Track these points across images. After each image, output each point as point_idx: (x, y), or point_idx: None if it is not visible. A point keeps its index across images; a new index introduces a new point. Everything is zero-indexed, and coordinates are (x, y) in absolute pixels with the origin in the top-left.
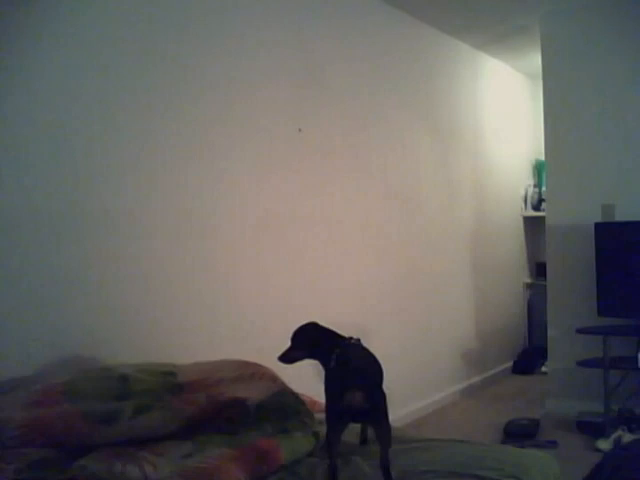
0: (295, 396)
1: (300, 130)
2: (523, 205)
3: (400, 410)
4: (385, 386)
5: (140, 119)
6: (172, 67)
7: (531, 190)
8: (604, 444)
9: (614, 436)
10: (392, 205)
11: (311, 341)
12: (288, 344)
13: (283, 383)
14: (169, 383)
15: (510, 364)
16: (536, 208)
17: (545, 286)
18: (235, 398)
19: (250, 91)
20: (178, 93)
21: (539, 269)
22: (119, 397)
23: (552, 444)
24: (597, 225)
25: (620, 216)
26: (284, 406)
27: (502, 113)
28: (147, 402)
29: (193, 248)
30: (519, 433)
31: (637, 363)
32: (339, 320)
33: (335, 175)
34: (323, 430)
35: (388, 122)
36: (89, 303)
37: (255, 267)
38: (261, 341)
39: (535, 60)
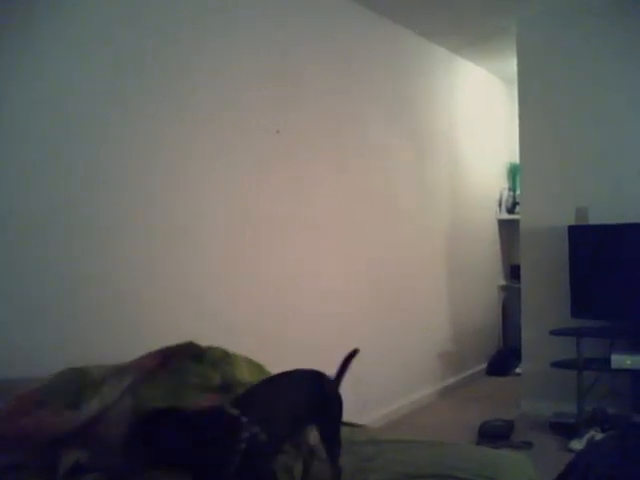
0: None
1: (278, 132)
2: (498, 208)
3: (376, 411)
4: (355, 391)
5: (128, 120)
6: (157, 69)
7: (506, 193)
8: (577, 444)
9: (587, 436)
10: (369, 208)
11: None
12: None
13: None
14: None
15: (485, 365)
16: (510, 211)
17: (519, 288)
18: (185, 342)
19: (229, 93)
20: (164, 95)
21: (513, 271)
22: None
23: (526, 445)
24: (570, 228)
25: (593, 219)
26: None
27: (477, 116)
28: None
29: (171, 247)
30: (494, 434)
31: (610, 364)
32: (315, 321)
33: (312, 177)
34: None
35: (365, 125)
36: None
37: (233, 268)
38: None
39: (510, 64)
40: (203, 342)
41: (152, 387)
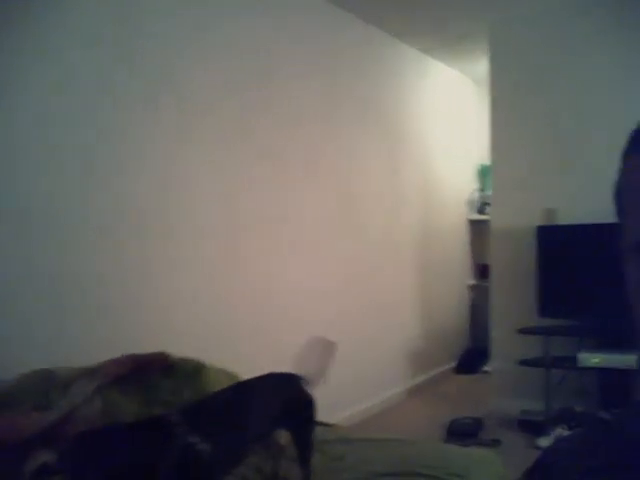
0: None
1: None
2: (468, 209)
3: (346, 410)
4: (325, 390)
5: (118, 120)
6: (144, 71)
7: (476, 194)
8: (545, 442)
9: (555, 434)
10: (339, 208)
11: None
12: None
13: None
14: None
15: (454, 364)
16: (480, 212)
17: (488, 287)
18: (158, 353)
19: (199, 93)
20: (154, 97)
21: (482, 271)
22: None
23: (495, 442)
24: (539, 228)
25: (561, 220)
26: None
27: (449, 117)
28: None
29: (142, 249)
30: (462, 432)
31: (577, 362)
32: (286, 320)
33: (283, 178)
34: None
35: (336, 125)
36: None
37: (205, 270)
38: (203, 347)
39: (482, 65)
40: (180, 342)
41: (123, 396)
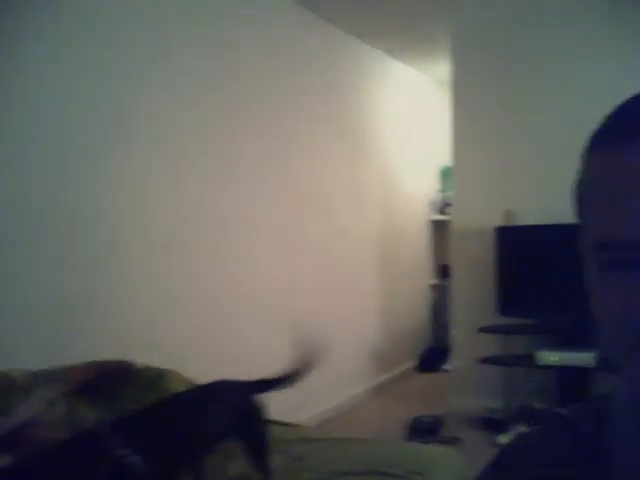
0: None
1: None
2: (429, 209)
3: (309, 410)
4: (287, 391)
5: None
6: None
7: (438, 195)
8: (505, 439)
9: (514, 431)
10: (301, 209)
11: None
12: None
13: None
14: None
15: (415, 363)
16: (442, 212)
17: (449, 287)
18: (120, 361)
19: (157, 91)
20: (102, 96)
21: (443, 270)
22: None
23: (455, 440)
24: (498, 229)
25: (521, 220)
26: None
27: (411, 118)
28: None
29: (101, 254)
30: (423, 430)
31: (536, 361)
32: (244, 324)
33: (244, 178)
34: None
35: (299, 125)
36: None
37: (165, 273)
38: (168, 350)
39: (445, 67)
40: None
41: (85, 403)
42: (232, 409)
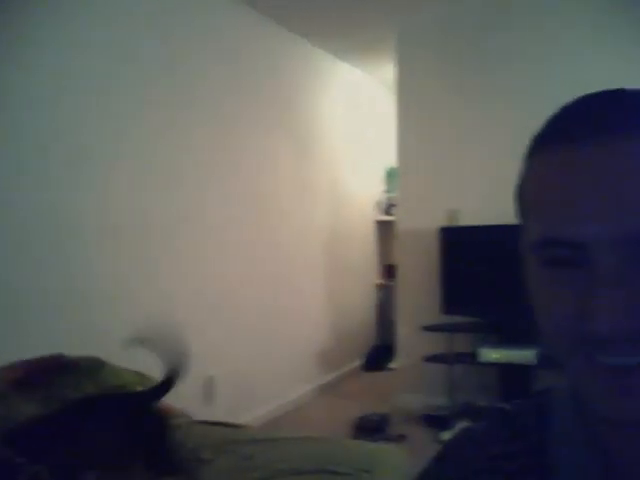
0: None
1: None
2: (375, 210)
3: (256, 411)
4: (235, 391)
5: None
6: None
7: (383, 195)
8: (449, 436)
9: (458, 428)
10: (248, 208)
11: None
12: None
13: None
14: None
15: (361, 362)
16: (387, 213)
17: (394, 286)
18: (52, 355)
19: (100, 88)
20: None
21: (389, 270)
22: None
23: (400, 437)
24: (442, 229)
25: (464, 221)
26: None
27: (357, 120)
28: None
29: (45, 254)
30: (370, 428)
31: (478, 358)
32: (194, 322)
33: (192, 176)
34: None
35: (246, 125)
36: None
37: (108, 274)
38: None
39: (390, 69)
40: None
41: (21, 399)
42: (129, 420)
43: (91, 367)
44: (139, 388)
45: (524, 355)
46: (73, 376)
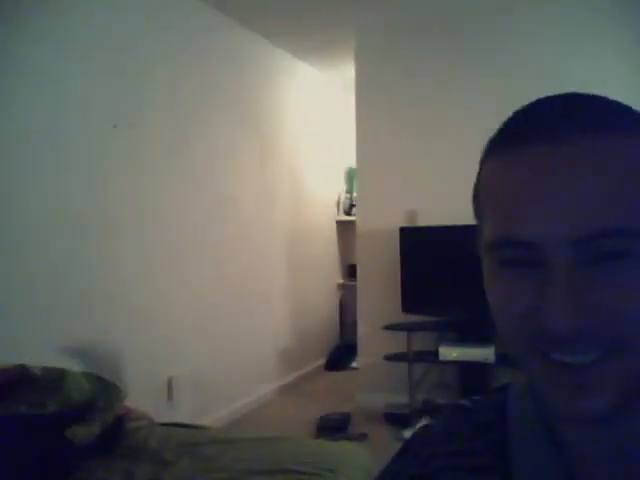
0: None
1: (115, 126)
2: (336, 210)
3: (218, 411)
4: (195, 392)
5: None
6: None
7: (343, 196)
8: (410, 433)
9: (419, 426)
10: (210, 207)
11: None
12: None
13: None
14: None
15: (323, 361)
16: (348, 213)
17: (356, 286)
18: (16, 366)
19: (61, 86)
20: None
21: (350, 270)
22: None
23: (362, 436)
24: (401, 229)
25: (422, 221)
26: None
27: (318, 120)
28: None
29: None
30: (332, 427)
31: (437, 357)
32: (154, 322)
33: (153, 175)
34: None
35: (208, 124)
36: None
37: (59, 266)
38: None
39: (350, 70)
40: None
41: None
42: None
43: (53, 382)
44: (99, 403)
45: (482, 353)
46: (35, 392)
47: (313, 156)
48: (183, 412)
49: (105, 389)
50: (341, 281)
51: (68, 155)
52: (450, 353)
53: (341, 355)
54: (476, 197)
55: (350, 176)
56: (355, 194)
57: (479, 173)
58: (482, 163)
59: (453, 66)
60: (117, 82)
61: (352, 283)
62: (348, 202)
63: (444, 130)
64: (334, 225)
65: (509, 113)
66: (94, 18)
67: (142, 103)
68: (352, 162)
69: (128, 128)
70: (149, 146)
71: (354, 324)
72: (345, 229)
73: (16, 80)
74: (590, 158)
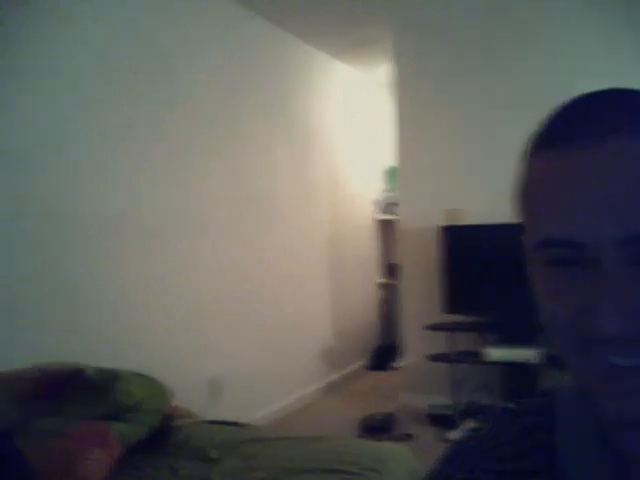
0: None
1: (130, 126)
2: (376, 209)
3: (262, 410)
4: (241, 391)
5: None
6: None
7: (383, 194)
8: (454, 435)
9: (463, 427)
10: (249, 208)
11: None
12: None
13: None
14: None
15: (365, 361)
16: (388, 212)
17: (397, 286)
18: (72, 367)
19: (98, 87)
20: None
21: (391, 270)
22: None
23: (406, 437)
24: (443, 228)
25: (465, 220)
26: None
27: (356, 119)
28: None
29: (39, 248)
30: (375, 427)
31: (481, 357)
32: (199, 324)
33: (188, 178)
34: None
35: (244, 126)
36: None
37: (97, 270)
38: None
39: (388, 68)
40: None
41: (37, 412)
42: None
43: (105, 383)
44: (146, 406)
45: (527, 354)
46: (87, 394)
47: (351, 155)
48: (228, 410)
49: (154, 389)
50: (382, 280)
51: (104, 157)
52: (494, 354)
53: (383, 355)
54: (519, 195)
55: (389, 175)
56: (395, 193)
57: (522, 171)
58: (524, 161)
59: (491, 64)
60: (152, 83)
61: (393, 282)
62: (387, 201)
63: (485, 126)
64: (373, 224)
65: (550, 111)
66: (119, 15)
67: (175, 104)
68: (391, 161)
69: (160, 130)
70: (185, 148)
71: (395, 324)
72: (385, 228)
73: (47, 80)
74: None
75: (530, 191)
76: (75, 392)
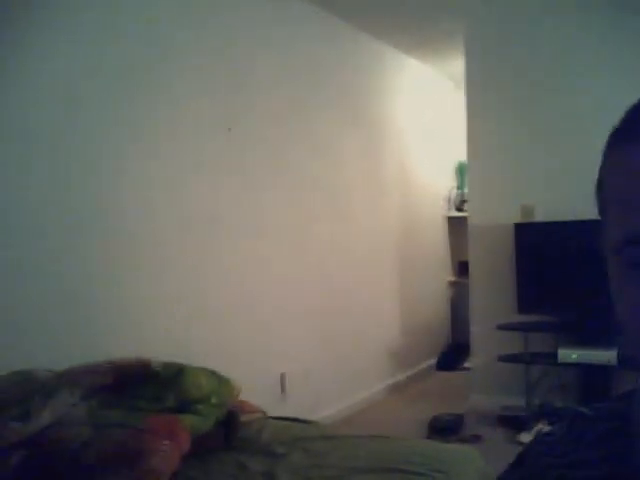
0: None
1: (230, 130)
2: (446, 206)
3: (328, 408)
4: (307, 388)
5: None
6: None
7: (454, 191)
8: (526, 437)
9: (535, 429)
10: (320, 205)
11: None
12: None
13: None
14: None
15: (434, 360)
16: (459, 209)
17: (467, 284)
18: (139, 360)
19: (178, 93)
20: (111, 92)
21: (462, 268)
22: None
23: (476, 438)
24: (516, 225)
25: (539, 217)
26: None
27: (426, 116)
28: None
29: (116, 247)
30: (444, 428)
31: (556, 358)
32: (267, 323)
33: (265, 176)
34: None
35: (316, 124)
36: None
37: (179, 269)
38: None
39: (459, 64)
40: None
41: (106, 406)
42: None
43: (172, 377)
44: (214, 400)
45: (604, 356)
46: (154, 387)
47: (422, 151)
48: (295, 407)
49: (220, 384)
50: (452, 279)
51: (182, 154)
52: (570, 355)
53: (453, 355)
54: (599, 192)
55: (461, 171)
56: (466, 189)
57: (602, 166)
58: (606, 155)
59: (566, 59)
60: (226, 85)
61: (463, 281)
62: (459, 197)
63: (560, 122)
64: (444, 221)
65: (627, 104)
66: (202, 25)
67: (251, 104)
68: (462, 157)
69: (239, 130)
70: (258, 147)
71: (466, 323)
72: (456, 225)
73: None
74: None
75: (609, 187)
76: (144, 385)
